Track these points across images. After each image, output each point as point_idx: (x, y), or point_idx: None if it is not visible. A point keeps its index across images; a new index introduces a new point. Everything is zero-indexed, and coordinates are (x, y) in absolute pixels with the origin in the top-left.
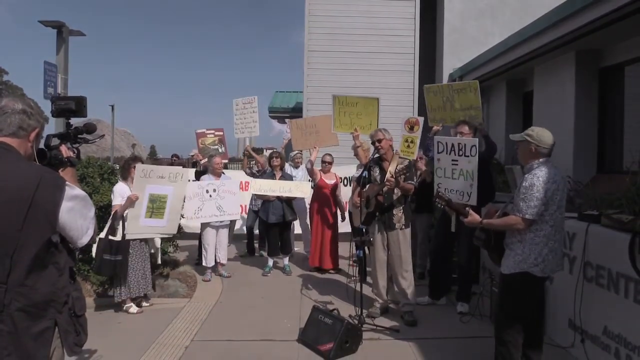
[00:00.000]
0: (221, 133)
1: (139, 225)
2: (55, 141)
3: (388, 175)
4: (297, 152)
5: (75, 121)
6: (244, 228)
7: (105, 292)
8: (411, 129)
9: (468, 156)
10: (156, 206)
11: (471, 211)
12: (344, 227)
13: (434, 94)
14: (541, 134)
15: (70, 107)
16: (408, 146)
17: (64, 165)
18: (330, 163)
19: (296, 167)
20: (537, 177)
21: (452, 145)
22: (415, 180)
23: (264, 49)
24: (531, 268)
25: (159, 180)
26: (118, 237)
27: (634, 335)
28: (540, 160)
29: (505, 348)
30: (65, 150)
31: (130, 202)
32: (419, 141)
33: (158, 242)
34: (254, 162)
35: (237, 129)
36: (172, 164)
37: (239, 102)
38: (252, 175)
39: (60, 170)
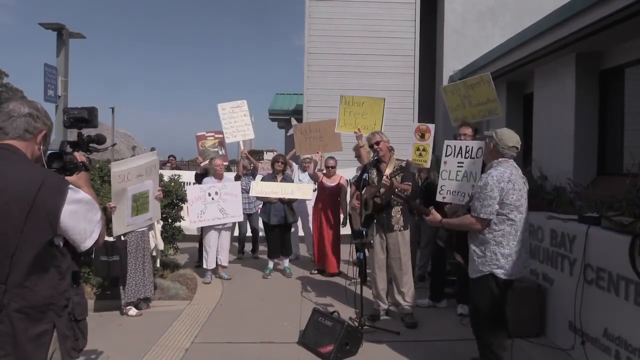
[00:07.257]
0: (221, 135)
1: (125, 225)
2: (69, 148)
3: (385, 177)
4: (306, 156)
5: (87, 132)
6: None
7: (105, 294)
8: (422, 136)
9: (474, 158)
10: (140, 203)
11: (433, 210)
12: (345, 229)
13: (451, 94)
14: (501, 134)
15: (83, 115)
16: (420, 154)
17: (79, 169)
18: (334, 167)
19: (304, 171)
20: (492, 177)
21: (460, 148)
22: (419, 182)
23: (265, 50)
24: (494, 270)
25: (139, 178)
26: (112, 238)
27: (635, 337)
28: (500, 160)
29: (490, 350)
30: (79, 156)
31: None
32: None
33: (161, 245)
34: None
35: (227, 134)
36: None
37: (225, 107)
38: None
39: (75, 174)
